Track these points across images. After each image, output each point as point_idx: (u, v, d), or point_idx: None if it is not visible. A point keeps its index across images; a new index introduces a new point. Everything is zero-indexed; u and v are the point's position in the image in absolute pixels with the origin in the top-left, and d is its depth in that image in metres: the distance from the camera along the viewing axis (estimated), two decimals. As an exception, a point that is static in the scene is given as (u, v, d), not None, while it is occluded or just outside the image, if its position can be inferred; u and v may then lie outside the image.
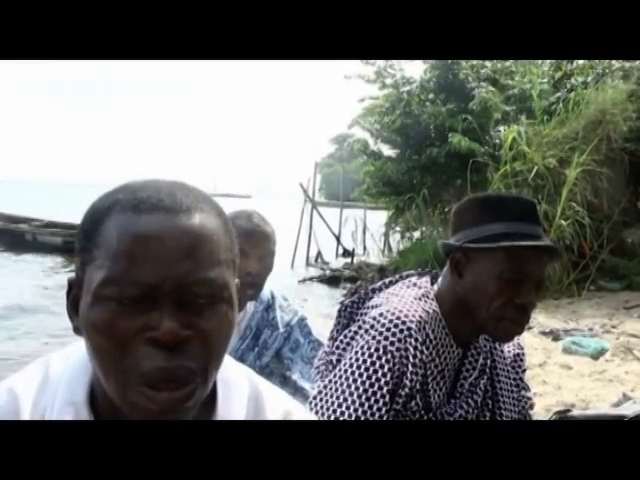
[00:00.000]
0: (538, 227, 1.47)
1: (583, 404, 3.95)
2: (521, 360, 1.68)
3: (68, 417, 0.79)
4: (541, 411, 3.53)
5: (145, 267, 0.71)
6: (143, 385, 0.72)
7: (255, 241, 2.05)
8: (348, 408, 1.39)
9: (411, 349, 1.42)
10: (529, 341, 5.48)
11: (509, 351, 1.66)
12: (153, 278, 0.71)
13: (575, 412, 3.39)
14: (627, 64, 10.10)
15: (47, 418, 0.80)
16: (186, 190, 0.77)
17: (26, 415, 0.80)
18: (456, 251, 1.49)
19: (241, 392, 0.86)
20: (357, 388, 1.40)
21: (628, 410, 3.11)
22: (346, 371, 1.43)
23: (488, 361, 1.58)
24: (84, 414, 0.79)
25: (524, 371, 1.69)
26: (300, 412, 0.91)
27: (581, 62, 10.95)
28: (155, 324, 0.71)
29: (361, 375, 1.41)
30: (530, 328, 6.41)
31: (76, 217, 1.04)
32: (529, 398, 1.68)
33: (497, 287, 1.42)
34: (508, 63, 11.49)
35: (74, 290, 0.79)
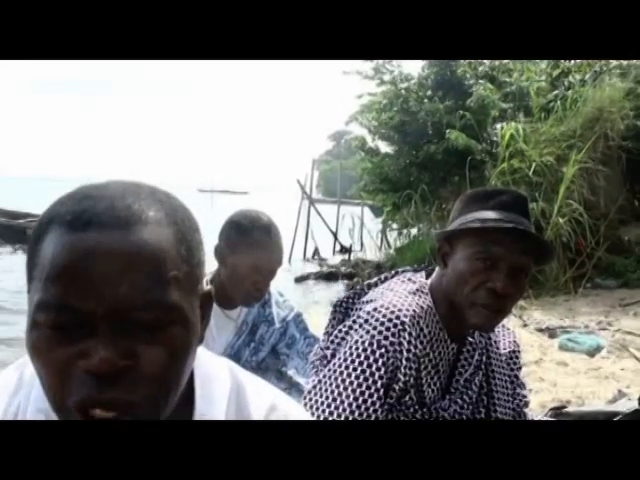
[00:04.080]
0: (523, 217, 1.47)
1: (579, 401, 3.97)
2: (517, 357, 1.69)
3: None
4: (537, 407, 3.55)
5: (78, 292, 0.65)
6: (78, 412, 0.67)
7: (273, 260, 2.01)
8: (342, 403, 1.40)
9: (405, 343, 1.42)
10: (525, 338, 5.50)
11: (504, 348, 1.67)
12: (87, 304, 0.65)
13: (570, 409, 3.41)
14: (625, 62, 10.11)
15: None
16: (133, 197, 0.69)
17: None
18: (442, 241, 1.51)
19: (222, 386, 0.82)
20: (351, 383, 1.41)
21: (623, 407, 3.13)
22: (340, 366, 1.44)
23: (483, 357, 1.59)
24: None
25: (519, 368, 1.69)
26: (286, 406, 0.85)
27: (579, 60, 10.96)
28: (91, 352, 0.65)
29: (355, 370, 1.42)
30: (526, 325, 6.44)
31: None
32: (524, 396, 1.69)
33: (469, 269, 1.43)
34: (506, 61, 11.49)
35: None
